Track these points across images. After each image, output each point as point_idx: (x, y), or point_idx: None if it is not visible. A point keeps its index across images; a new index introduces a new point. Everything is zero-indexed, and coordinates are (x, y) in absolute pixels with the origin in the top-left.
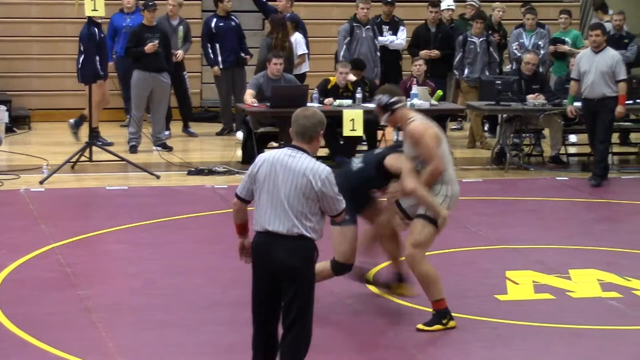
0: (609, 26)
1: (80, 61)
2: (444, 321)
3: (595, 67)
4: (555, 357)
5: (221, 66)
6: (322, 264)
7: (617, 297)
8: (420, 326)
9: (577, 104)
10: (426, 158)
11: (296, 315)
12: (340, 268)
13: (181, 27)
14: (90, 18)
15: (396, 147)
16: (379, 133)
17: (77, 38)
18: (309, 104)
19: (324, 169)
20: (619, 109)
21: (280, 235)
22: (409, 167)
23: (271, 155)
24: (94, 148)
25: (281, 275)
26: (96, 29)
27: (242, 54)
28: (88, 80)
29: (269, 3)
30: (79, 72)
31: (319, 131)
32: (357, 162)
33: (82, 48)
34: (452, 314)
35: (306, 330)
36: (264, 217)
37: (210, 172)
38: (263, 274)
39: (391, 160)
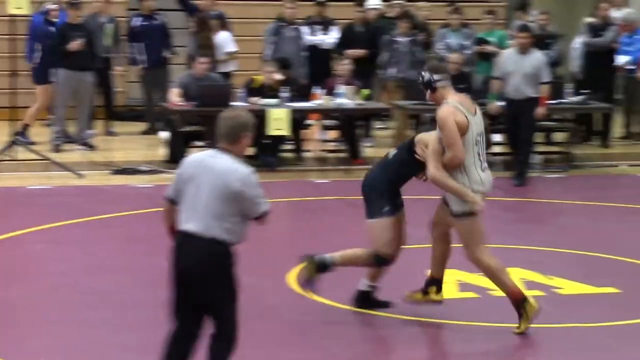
0: (532, 26)
1: (37, 60)
2: (523, 309)
3: (520, 69)
4: (477, 354)
5: (145, 65)
6: (358, 250)
7: (540, 295)
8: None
9: (499, 103)
10: (447, 145)
11: (218, 322)
12: (381, 260)
13: (111, 25)
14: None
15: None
16: (304, 132)
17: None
18: (235, 103)
19: (244, 170)
20: (540, 110)
21: (195, 236)
22: (434, 149)
23: (197, 157)
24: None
25: (193, 278)
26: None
27: (166, 53)
28: (45, 80)
29: (192, 1)
30: (36, 72)
31: (244, 134)
32: (392, 152)
33: (37, 47)
34: (385, 314)
35: (228, 337)
36: (184, 217)
37: (135, 172)
38: (177, 275)
39: (420, 136)
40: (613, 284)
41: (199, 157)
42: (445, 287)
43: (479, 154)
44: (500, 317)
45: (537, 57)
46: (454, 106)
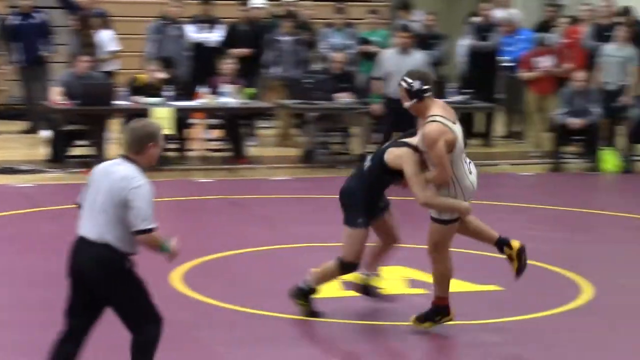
0: (415, 26)
1: None
2: (437, 318)
3: (401, 69)
4: (363, 353)
5: (24, 64)
6: (326, 264)
7: (423, 294)
8: (413, 322)
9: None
10: (435, 164)
11: (125, 325)
12: (346, 267)
13: None
14: None
15: (401, 139)
16: (188, 131)
17: None
18: (117, 102)
19: (139, 182)
20: None
21: (89, 241)
22: (414, 172)
23: (104, 164)
24: None
25: (85, 282)
26: None
27: (45, 51)
28: None
29: None
30: None
31: (150, 144)
32: (367, 161)
33: None
34: (259, 312)
35: (138, 340)
36: (81, 222)
37: (15, 171)
38: (70, 278)
39: (390, 157)
40: (497, 282)
41: (105, 164)
42: (329, 285)
43: (466, 161)
44: (384, 316)
45: (418, 57)
46: (442, 123)
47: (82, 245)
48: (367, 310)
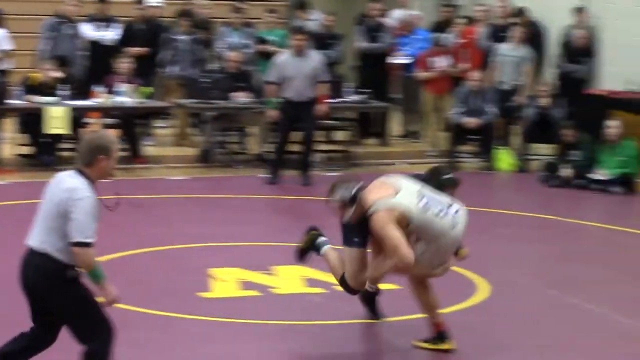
0: (312, 25)
1: None
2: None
3: (300, 72)
4: (260, 353)
5: None
6: (339, 264)
7: (320, 293)
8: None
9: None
10: (389, 253)
11: (76, 338)
12: (347, 288)
13: None
14: None
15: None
16: (84, 131)
17: None
18: (10, 101)
19: (82, 194)
20: (321, 108)
21: (34, 252)
22: (393, 235)
23: (61, 173)
24: None
25: (31, 291)
26: None
27: None
28: None
29: None
30: None
31: (100, 157)
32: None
33: None
34: (155, 312)
35: (88, 352)
36: (31, 232)
37: None
38: (23, 288)
39: (363, 194)
40: (394, 280)
41: (60, 174)
42: (225, 285)
43: (449, 212)
44: (282, 315)
45: (316, 58)
46: (382, 211)
47: (28, 255)
48: (266, 310)
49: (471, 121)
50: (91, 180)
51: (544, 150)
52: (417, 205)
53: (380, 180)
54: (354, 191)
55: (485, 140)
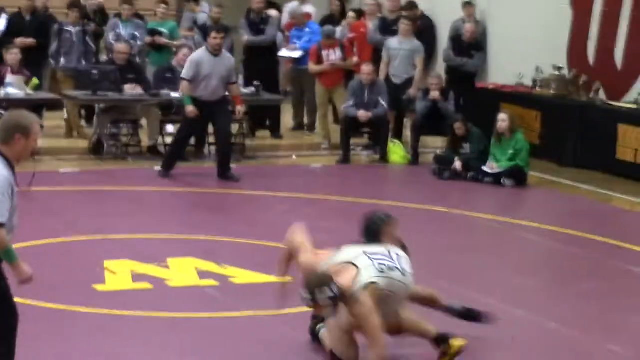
0: (203, 17)
1: None
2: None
3: (216, 71)
4: (154, 345)
5: None
6: None
7: (214, 285)
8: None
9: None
10: (369, 340)
11: None
12: None
13: None
14: None
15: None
16: None
17: None
18: None
19: None
20: (241, 108)
21: None
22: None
23: None
24: None
25: None
26: None
27: None
28: None
29: None
30: None
31: (16, 135)
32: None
33: None
34: (49, 305)
35: None
36: None
37: None
38: None
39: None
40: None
41: None
42: (118, 278)
43: (388, 265)
44: (175, 307)
45: (229, 58)
46: (363, 291)
47: None
48: (159, 302)
49: (363, 114)
50: (7, 159)
51: (435, 143)
52: (375, 271)
53: (338, 263)
54: (335, 291)
55: (378, 133)
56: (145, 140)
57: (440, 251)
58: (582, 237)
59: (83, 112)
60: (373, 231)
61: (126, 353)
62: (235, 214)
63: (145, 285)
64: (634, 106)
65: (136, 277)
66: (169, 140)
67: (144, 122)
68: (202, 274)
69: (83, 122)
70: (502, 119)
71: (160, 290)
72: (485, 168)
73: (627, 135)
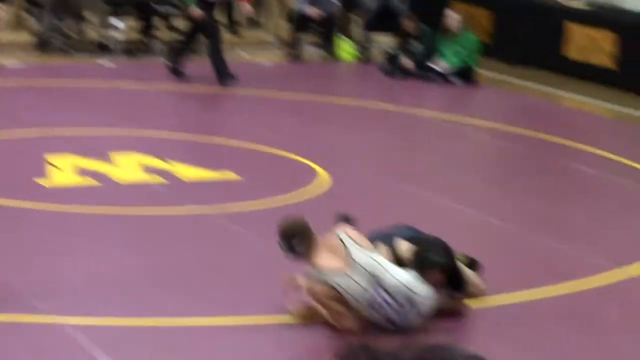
0: None
1: None
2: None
3: None
4: (100, 241)
5: None
6: None
7: (160, 181)
8: None
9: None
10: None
11: None
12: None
13: None
14: None
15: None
16: None
17: None
18: None
19: None
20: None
21: None
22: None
23: None
24: None
25: None
26: None
27: None
28: None
29: None
30: None
31: None
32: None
33: None
34: None
35: None
36: None
37: None
38: None
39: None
40: (233, 169)
41: None
42: (63, 173)
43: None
44: (121, 203)
45: None
46: (325, 282)
47: None
48: (104, 198)
49: (313, 11)
50: None
51: (385, 41)
52: (362, 297)
53: (333, 244)
54: (290, 246)
55: (327, 30)
56: (92, 35)
57: (389, 149)
58: (529, 135)
59: (28, 5)
60: (423, 265)
61: (72, 248)
62: (182, 110)
63: (91, 181)
64: (583, 5)
65: (81, 172)
66: (116, 35)
67: (91, 16)
68: (148, 170)
69: (28, 16)
70: (452, 17)
71: (105, 186)
72: (434, 66)
73: (576, 35)
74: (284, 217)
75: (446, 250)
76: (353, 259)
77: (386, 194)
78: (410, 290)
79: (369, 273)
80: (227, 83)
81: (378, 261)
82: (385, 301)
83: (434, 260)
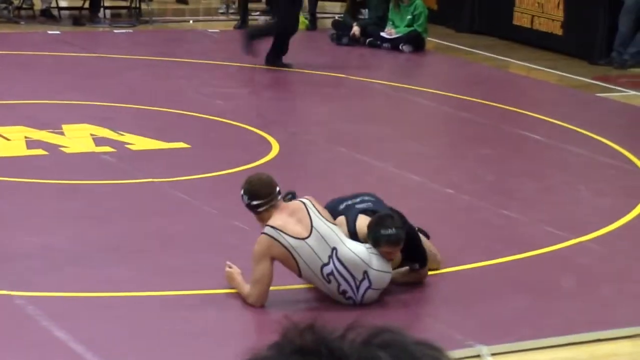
0: None
1: None
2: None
3: None
4: (50, 212)
5: None
6: None
7: (110, 152)
8: None
9: None
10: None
11: None
12: None
13: None
14: None
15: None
16: None
17: None
18: None
19: None
20: None
21: None
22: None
23: None
24: None
25: None
26: None
27: None
28: None
29: None
30: None
31: None
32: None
33: None
34: None
35: None
36: None
37: None
38: None
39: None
40: (183, 139)
41: None
42: (12, 144)
43: (337, 288)
44: (71, 174)
45: None
46: (270, 237)
47: None
48: (55, 169)
49: None
50: None
51: (334, 9)
52: (316, 266)
53: (298, 207)
54: (251, 203)
55: None
56: (37, 4)
57: (338, 118)
58: (478, 103)
59: None
60: (377, 237)
61: (20, 220)
62: (131, 80)
63: (40, 151)
64: None
65: (30, 144)
66: (62, 3)
67: None
68: (98, 141)
69: None
70: None
71: (55, 157)
72: (383, 34)
73: (523, 1)
74: (252, 174)
75: (403, 223)
76: (314, 227)
77: (337, 163)
78: (366, 263)
79: (327, 243)
80: (247, 51)
81: (336, 232)
82: (340, 273)
83: (388, 233)
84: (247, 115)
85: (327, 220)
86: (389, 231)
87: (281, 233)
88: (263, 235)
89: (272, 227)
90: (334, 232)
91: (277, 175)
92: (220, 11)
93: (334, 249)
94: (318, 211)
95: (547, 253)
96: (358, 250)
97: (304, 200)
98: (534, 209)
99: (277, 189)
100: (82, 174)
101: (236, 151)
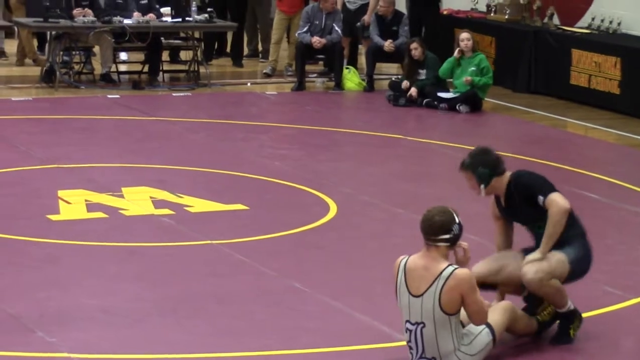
0: None
1: None
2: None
3: None
4: (109, 274)
5: None
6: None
7: (169, 214)
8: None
9: None
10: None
11: None
12: None
13: None
14: None
15: None
16: None
17: None
18: None
19: None
20: None
21: None
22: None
23: None
24: None
25: None
26: None
27: None
28: None
29: None
30: None
31: None
32: None
33: None
34: (2, 236)
35: None
36: None
37: None
38: None
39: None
40: (242, 201)
41: None
42: (73, 207)
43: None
44: (131, 237)
45: None
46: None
47: None
48: (115, 232)
49: (317, 40)
50: None
51: (391, 70)
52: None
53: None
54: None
55: (332, 60)
56: (98, 68)
57: (395, 178)
58: (536, 162)
59: (36, 39)
60: None
61: (80, 283)
62: (189, 142)
63: (100, 214)
64: (587, 31)
65: (91, 207)
66: (122, 67)
67: (97, 49)
68: (158, 203)
69: (36, 50)
70: (467, 38)
71: (115, 220)
72: (440, 94)
73: (580, 61)
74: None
75: None
76: None
77: (395, 224)
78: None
79: None
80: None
81: None
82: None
83: None
84: (304, 177)
85: None
86: None
87: None
88: (466, 270)
89: None
90: None
91: (336, 235)
92: (265, 72)
93: None
94: None
95: (607, 313)
96: None
97: None
98: (592, 269)
99: None
100: (142, 236)
101: (294, 212)
